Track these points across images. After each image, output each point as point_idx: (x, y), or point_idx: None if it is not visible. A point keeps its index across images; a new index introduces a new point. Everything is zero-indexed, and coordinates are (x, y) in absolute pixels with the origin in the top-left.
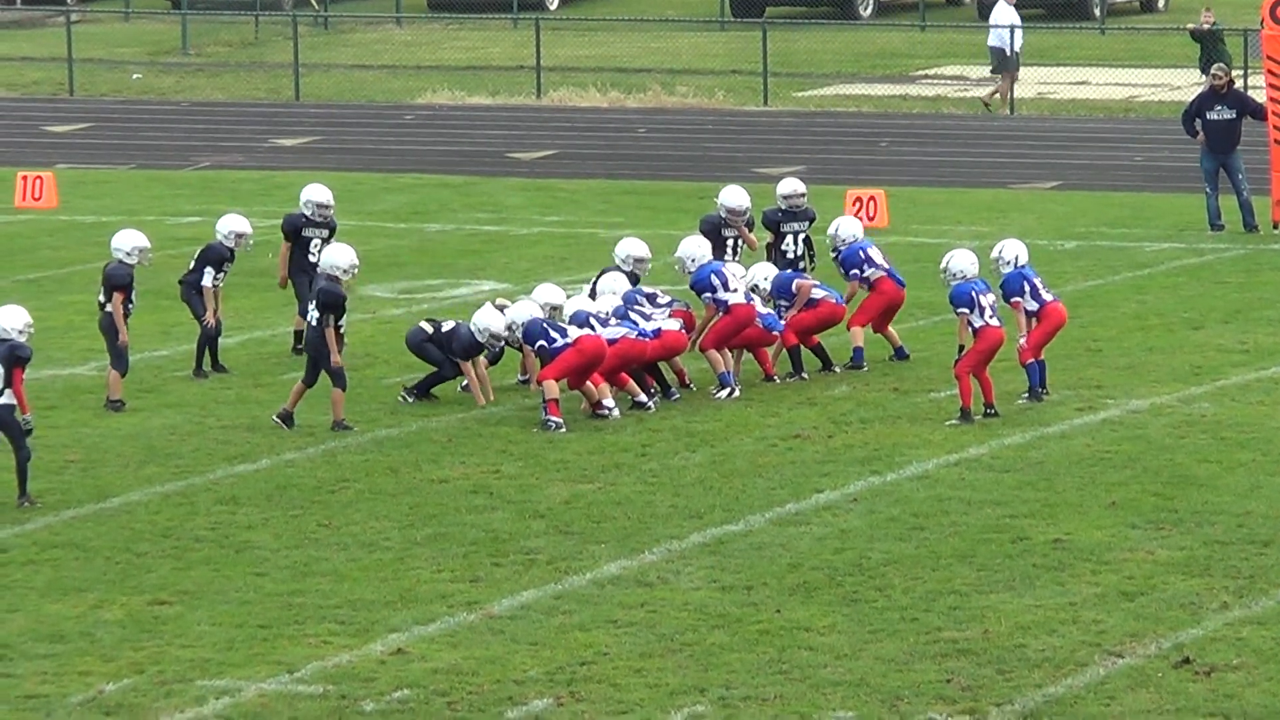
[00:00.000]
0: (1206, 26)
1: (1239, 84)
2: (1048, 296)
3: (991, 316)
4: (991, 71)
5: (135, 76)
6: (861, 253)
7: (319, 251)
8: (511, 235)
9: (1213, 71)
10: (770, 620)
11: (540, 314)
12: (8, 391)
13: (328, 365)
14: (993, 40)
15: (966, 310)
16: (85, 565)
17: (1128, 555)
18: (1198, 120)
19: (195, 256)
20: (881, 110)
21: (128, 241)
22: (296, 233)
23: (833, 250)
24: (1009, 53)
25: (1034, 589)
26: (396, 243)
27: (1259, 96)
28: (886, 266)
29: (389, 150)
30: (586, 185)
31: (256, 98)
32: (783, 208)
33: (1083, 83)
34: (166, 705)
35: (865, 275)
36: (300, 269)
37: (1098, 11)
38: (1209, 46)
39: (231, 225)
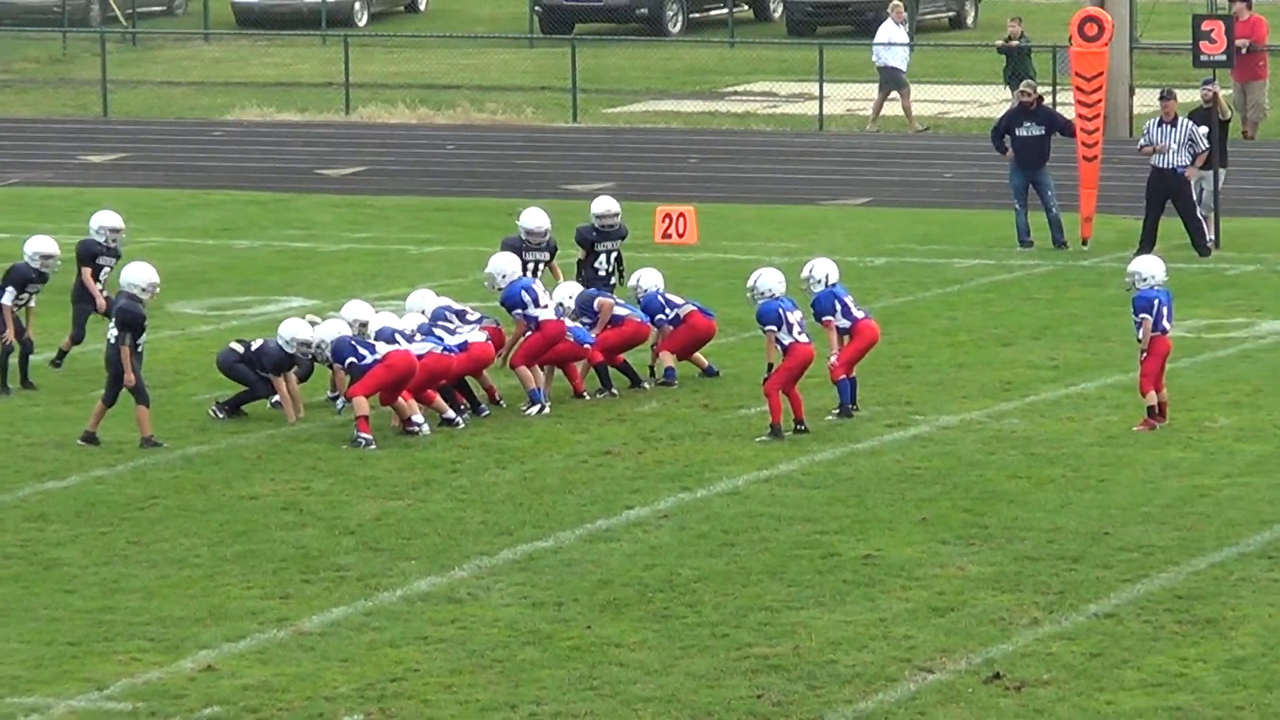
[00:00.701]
0: (1014, 38)
1: (1048, 100)
2: (859, 314)
3: (800, 333)
4: (880, 90)
5: None
6: (661, 297)
7: (106, 279)
8: (321, 252)
9: (1021, 88)
10: (581, 636)
11: (348, 331)
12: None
13: (125, 383)
14: (885, 59)
15: (774, 328)
16: None
17: (938, 571)
18: (1007, 136)
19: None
20: (691, 126)
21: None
22: (93, 258)
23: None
24: (902, 71)
25: (844, 605)
26: (205, 259)
27: (1068, 113)
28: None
29: (198, 167)
30: (396, 202)
31: (65, 114)
32: (596, 226)
33: (891, 99)
34: None
35: (671, 317)
36: (84, 295)
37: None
38: (1015, 60)
39: (37, 247)
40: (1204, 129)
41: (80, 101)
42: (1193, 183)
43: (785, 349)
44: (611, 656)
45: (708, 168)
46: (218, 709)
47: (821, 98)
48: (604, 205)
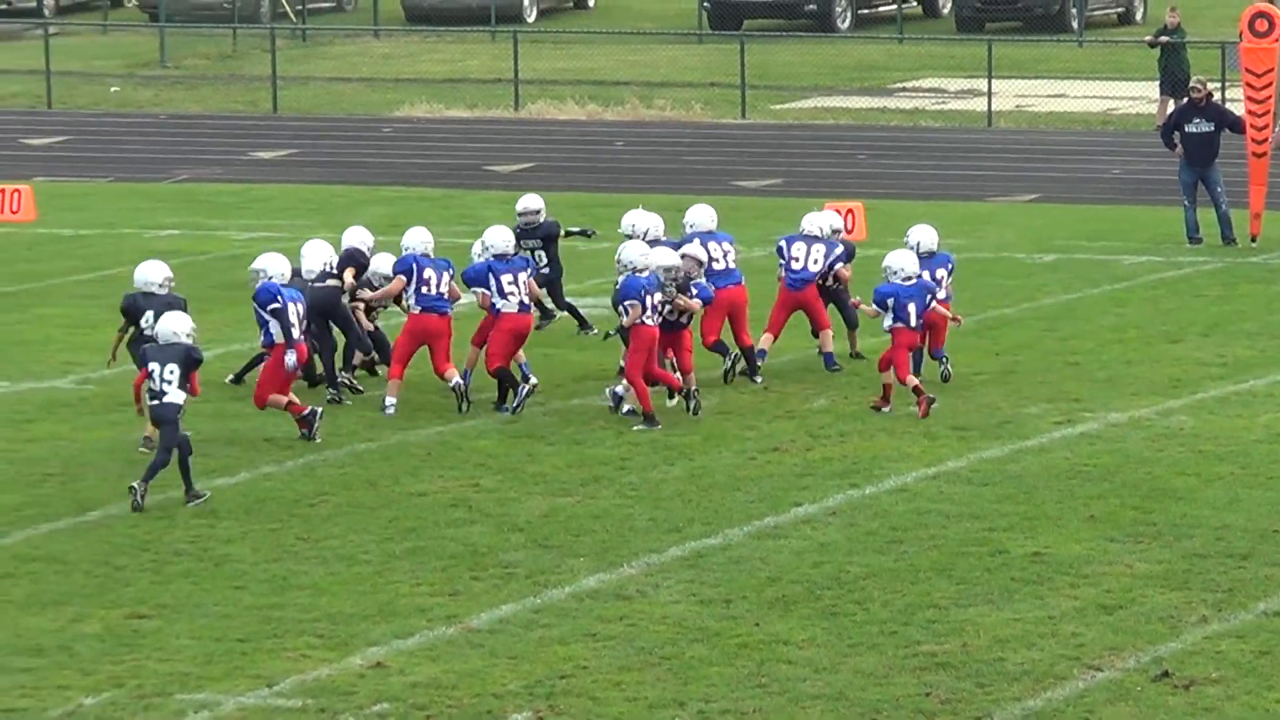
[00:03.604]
0: (1170, 29)
1: (1217, 97)
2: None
3: (652, 315)
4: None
5: (113, 89)
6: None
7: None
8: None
9: (1191, 84)
10: (749, 634)
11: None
12: (178, 391)
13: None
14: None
15: (636, 304)
16: (64, 578)
17: (1106, 569)
18: (1176, 133)
19: None
20: (859, 123)
21: (158, 273)
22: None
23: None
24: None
25: (1013, 602)
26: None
27: (1237, 110)
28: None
29: (367, 163)
30: (564, 198)
31: (235, 110)
32: (518, 225)
33: (1060, 95)
34: (145, 719)
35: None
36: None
37: (1075, 24)
38: (1168, 54)
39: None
40: None
41: (250, 98)
42: None
43: (630, 330)
44: (780, 654)
45: (876, 164)
46: (386, 706)
47: (990, 94)
48: (523, 203)
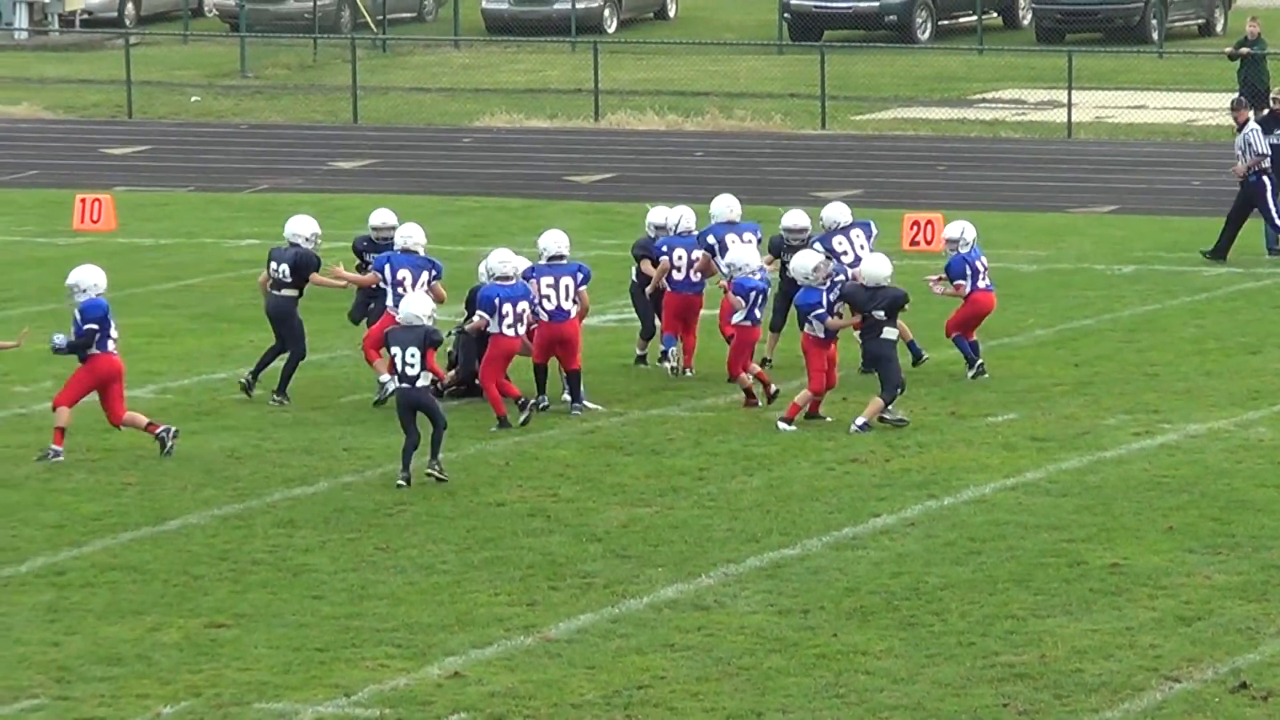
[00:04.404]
0: (1251, 40)
1: None
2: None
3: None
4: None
5: (194, 99)
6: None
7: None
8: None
9: (1272, 95)
10: (827, 644)
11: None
12: (425, 373)
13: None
14: None
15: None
16: (143, 588)
17: (1185, 580)
18: None
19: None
20: (939, 134)
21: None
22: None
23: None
24: None
25: (1091, 613)
26: (455, 265)
27: None
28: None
29: (447, 173)
30: (644, 209)
31: (315, 120)
32: (371, 238)
33: (1140, 106)
34: None
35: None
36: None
37: (1156, 35)
38: (1248, 65)
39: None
40: None
41: (330, 107)
42: None
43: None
44: (858, 664)
45: (956, 175)
46: (464, 715)
47: (1070, 105)
48: (378, 217)
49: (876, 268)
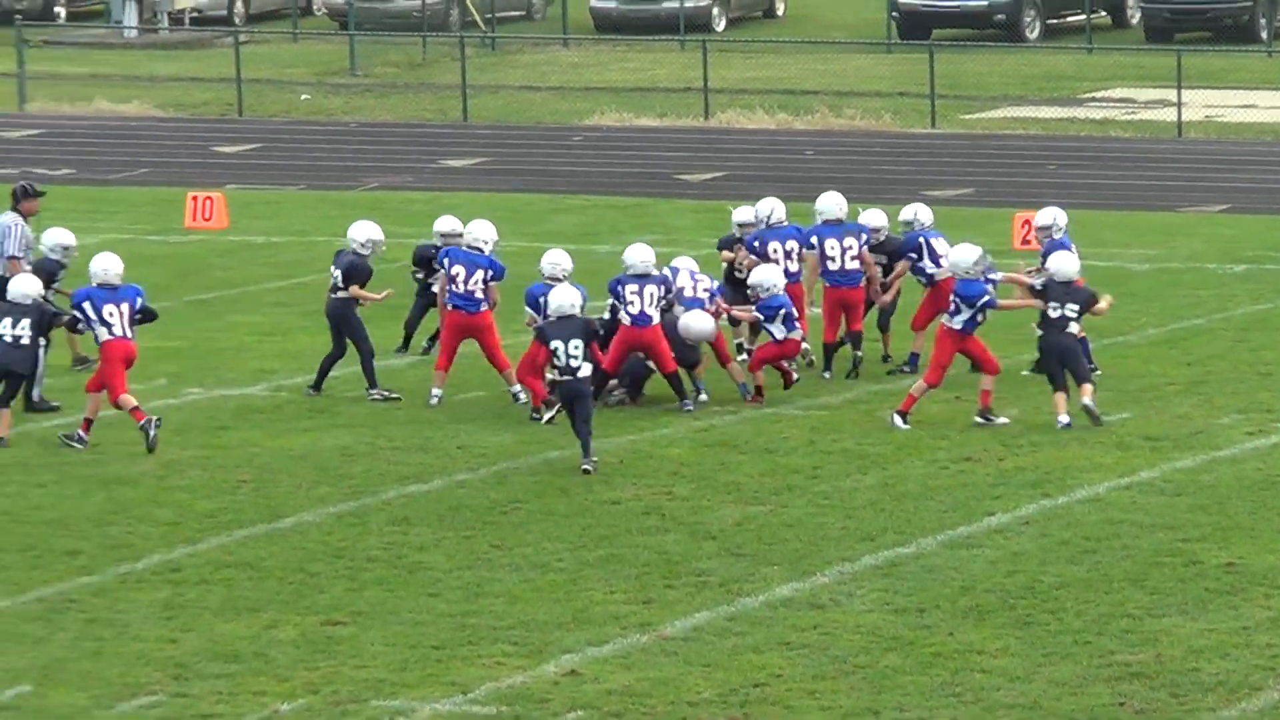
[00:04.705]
0: None
1: None
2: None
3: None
4: None
5: (304, 97)
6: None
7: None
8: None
9: None
10: (943, 643)
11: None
12: (587, 365)
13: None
14: None
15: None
16: (259, 585)
17: None
18: None
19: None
20: (1049, 133)
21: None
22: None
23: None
24: None
25: (1207, 613)
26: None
27: None
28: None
29: (557, 171)
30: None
31: (424, 119)
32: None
33: (1250, 105)
34: None
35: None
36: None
37: (1265, 34)
38: None
39: (57, 239)
40: None
41: (440, 106)
42: None
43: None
44: (974, 663)
45: (1066, 174)
46: (581, 713)
47: (1180, 104)
48: (445, 224)
49: (1067, 265)
